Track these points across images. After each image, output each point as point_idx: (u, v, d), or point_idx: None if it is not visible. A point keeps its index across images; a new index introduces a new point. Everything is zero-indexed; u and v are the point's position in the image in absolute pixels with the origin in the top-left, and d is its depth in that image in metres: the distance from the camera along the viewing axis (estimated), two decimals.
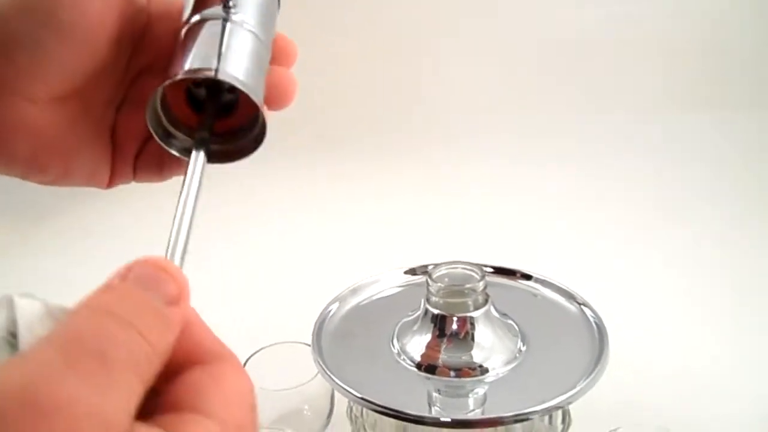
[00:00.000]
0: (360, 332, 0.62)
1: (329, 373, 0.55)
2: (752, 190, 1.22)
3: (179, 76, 0.35)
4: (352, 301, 0.65)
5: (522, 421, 0.54)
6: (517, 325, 0.61)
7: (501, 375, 0.57)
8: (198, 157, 0.36)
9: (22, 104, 0.35)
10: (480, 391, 0.57)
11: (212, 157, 0.37)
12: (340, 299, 0.65)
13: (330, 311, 0.63)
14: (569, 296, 0.65)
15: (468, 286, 0.59)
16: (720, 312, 0.91)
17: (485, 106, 1.44)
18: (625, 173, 1.28)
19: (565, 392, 0.54)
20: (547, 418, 0.60)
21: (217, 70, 0.35)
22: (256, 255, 1.10)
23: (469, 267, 0.60)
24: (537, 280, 0.67)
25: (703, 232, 1.10)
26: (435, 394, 0.57)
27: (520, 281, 0.68)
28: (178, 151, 0.38)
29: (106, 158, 0.40)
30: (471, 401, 0.57)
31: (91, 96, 0.38)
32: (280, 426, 0.65)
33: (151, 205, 1.30)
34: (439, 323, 0.58)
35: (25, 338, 0.26)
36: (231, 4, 0.37)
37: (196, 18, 0.37)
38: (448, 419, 0.54)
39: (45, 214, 1.27)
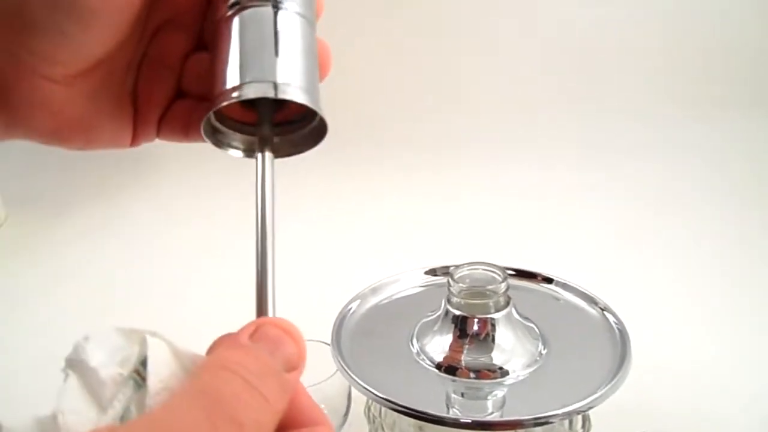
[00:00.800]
0: (379, 331, 0.62)
1: (348, 370, 0.55)
2: None
3: (232, 100, 0.33)
4: (373, 300, 0.65)
5: (542, 424, 0.54)
6: (538, 328, 0.61)
7: (521, 378, 0.57)
8: (266, 158, 0.34)
9: (42, 83, 0.35)
10: (499, 393, 0.56)
11: (276, 153, 0.35)
12: (361, 298, 0.65)
13: (350, 309, 0.63)
14: (591, 300, 0.64)
15: (489, 287, 0.58)
16: (744, 319, 0.90)
17: (506, 109, 1.44)
18: (647, 179, 1.28)
19: (587, 397, 0.53)
20: (567, 422, 0.60)
21: (276, 87, 0.33)
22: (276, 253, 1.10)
23: (491, 268, 0.60)
24: (558, 284, 0.67)
25: (730, 238, 1.10)
26: (454, 395, 0.56)
27: (541, 285, 0.67)
28: (234, 149, 0.37)
29: (127, 123, 0.39)
30: (490, 403, 0.57)
31: (111, 66, 0.37)
32: None
33: (165, 201, 1.31)
34: (460, 324, 0.58)
35: (152, 380, 0.27)
36: None
37: (238, 4, 0.34)
38: (468, 420, 0.53)
39: (63, 209, 1.28)
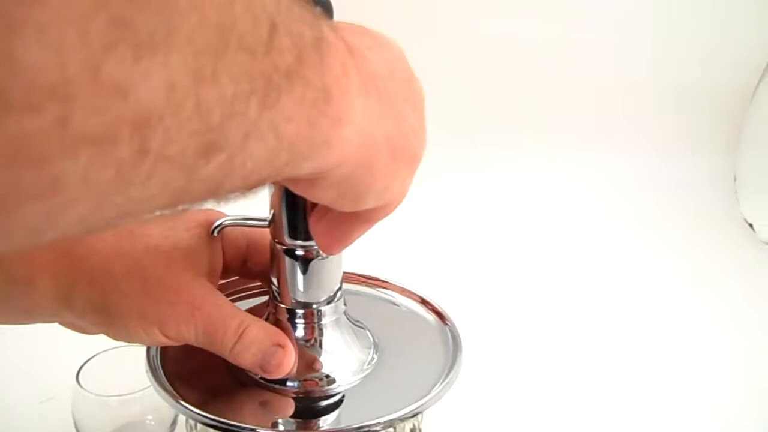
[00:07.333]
0: None
1: (152, 376, 0.51)
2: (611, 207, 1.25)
3: None
4: None
5: None
6: (371, 334, 0.58)
7: (349, 386, 0.54)
8: None
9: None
10: (324, 402, 0.53)
11: None
12: None
13: None
14: (427, 305, 0.62)
15: None
16: (581, 325, 0.91)
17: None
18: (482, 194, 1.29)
19: (412, 404, 0.51)
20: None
21: None
22: None
23: None
24: (396, 289, 0.64)
25: (577, 251, 1.11)
26: (274, 405, 0.53)
27: (379, 290, 0.65)
28: None
29: None
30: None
31: None
32: None
33: None
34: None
35: None
36: None
37: None
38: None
39: None
